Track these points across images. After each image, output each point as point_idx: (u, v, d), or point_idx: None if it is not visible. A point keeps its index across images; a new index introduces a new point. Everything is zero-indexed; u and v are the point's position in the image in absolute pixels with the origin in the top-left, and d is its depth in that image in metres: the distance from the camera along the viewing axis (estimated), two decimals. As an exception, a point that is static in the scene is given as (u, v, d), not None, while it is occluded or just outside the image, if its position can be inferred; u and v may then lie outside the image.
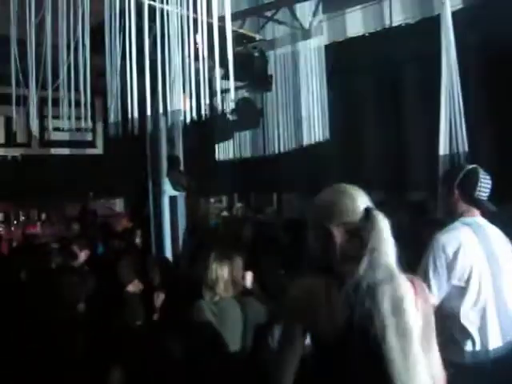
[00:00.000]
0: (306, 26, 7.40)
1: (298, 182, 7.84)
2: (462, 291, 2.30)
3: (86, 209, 7.72)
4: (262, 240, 5.17)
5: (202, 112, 4.99)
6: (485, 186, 2.47)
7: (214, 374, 2.76)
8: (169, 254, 5.53)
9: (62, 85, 4.97)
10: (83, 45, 3.86)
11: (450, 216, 2.51)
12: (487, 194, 2.48)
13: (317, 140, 7.58)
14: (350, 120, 6.82)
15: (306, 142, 7.34)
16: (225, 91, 5.06)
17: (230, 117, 6.18)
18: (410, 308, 1.52)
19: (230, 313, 2.93)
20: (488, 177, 2.49)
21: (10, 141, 8.23)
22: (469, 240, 2.36)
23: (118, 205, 9.27)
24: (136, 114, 4.38)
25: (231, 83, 3.83)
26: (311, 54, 7.50)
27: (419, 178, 6.04)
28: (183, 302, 3.66)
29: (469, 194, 2.45)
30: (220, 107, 5.30)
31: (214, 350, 2.86)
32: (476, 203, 2.46)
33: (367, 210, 1.60)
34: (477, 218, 2.48)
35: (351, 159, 7.03)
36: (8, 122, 8.23)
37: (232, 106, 6.16)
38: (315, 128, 7.17)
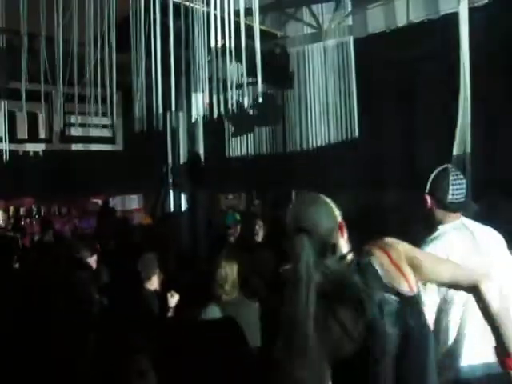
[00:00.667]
0: (325, 25, 7.42)
1: (317, 180, 7.83)
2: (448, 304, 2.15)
3: (106, 205, 7.78)
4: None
5: (224, 108, 5.05)
6: (458, 187, 2.26)
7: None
8: (187, 249, 5.56)
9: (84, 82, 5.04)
10: (109, 42, 3.88)
11: (430, 227, 2.32)
12: (462, 195, 2.27)
13: (336, 138, 7.59)
14: (369, 119, 6.79)
15: (326, 139, 7.34)
16: (242, 86, 5.10)
17: (250, 111, 6.19)
18: None
19: (243, 312, 2.92)
20: (461, 176, 2.30)
21: (33, 136, 8.33)
22: (454, 248, 2.17)
23: (137, 200, 9.34)
24: (160, 111, 4.42)
25: (259, 80, 3.81)
26: (331, 52, 7.50)
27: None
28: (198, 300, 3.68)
29: (441, 200, 2.26)
30: (241, 102, 5.31)
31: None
32: (451, 209, 2.28)
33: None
34: (459, 220, 2.30)
35: (370, 158, 7.00)
36: (31, 117, 8.36)
37: (252, 100, 6.18)
38: (336, 126, 7.16)
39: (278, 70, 6.08)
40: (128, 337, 2.60)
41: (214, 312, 2.94)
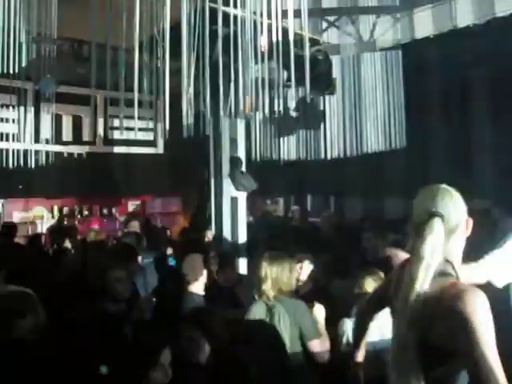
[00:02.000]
0: (366, 36, 7.44)
1: (357, 185, 7.79)
2: None
3: (149, 221, 7.87)
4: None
5: (268, 112, 5.07)
6: None
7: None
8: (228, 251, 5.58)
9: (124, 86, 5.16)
10: (162, 48, 3.96)
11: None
12: None
13: (380, 145, 7.56)
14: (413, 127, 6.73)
15: (366, 146, 7.32)
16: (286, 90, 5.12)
17: (292, 114, 6.21)
18: None
19: (280, 314, 2.92)
20: None
21: (77, 139, 8.59)
22: None
23: (176, 204, 9.48)
24: (206, 116, 4.48)
25: (307, 85, 3.80)
26: (373, 60, 7.50)
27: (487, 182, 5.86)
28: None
29: None
30: (285, 106, 5.35)
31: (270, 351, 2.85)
32: None
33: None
34: None
35: (412, 163, 6.91)
36: (75, 120, 8.63)
37: (293, 104, 6.22)
38: (378, 132, 7.14)
39: (321, 75, 6.06)
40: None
41: (259, 309, 2.95)
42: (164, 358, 2.24)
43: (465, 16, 6.38)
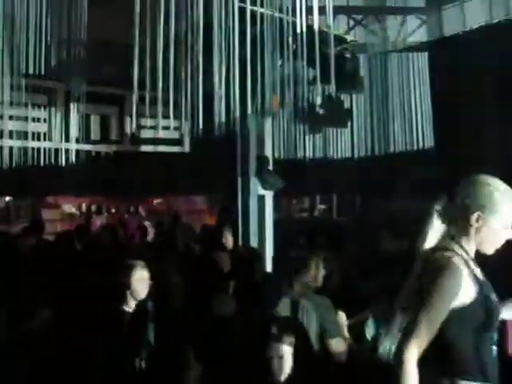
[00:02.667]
0: (393, 36, 7.40)
1: (383, 185, 7.72)
2: None
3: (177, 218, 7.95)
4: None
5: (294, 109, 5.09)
6: None
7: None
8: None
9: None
10: (192, 48, 4.00)
11: None
12: None
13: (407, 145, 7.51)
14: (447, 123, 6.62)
15: (393, 145, 7.26)
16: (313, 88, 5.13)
17: (319, 111, 6.19)
18: None
19: (305, 309, 2.94)
20: None
21: (105, 138, 8.70)
22: None
23: (202, 202, 9.54)
24: (234, 114, 4.50)
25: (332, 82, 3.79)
26: (400, 59, 7.44)
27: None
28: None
29: None
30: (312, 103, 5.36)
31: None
32: None
33: None
34: None
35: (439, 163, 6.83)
36: (103, 120, 8.75)
37: (322, 102, 6.21)
38: (406, 131, 7.08)
39: (348, 74, 6.03)
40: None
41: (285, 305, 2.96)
42: None
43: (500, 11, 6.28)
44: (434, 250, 1.82)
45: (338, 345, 2.90)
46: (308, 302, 2.94)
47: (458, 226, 1.81)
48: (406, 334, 1.69)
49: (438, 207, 1.86)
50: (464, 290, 1.71)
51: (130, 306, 3.22)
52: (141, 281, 3.22)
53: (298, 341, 2.65)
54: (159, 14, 5.60)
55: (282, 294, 3.10)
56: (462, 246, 1.80)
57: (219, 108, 4.30)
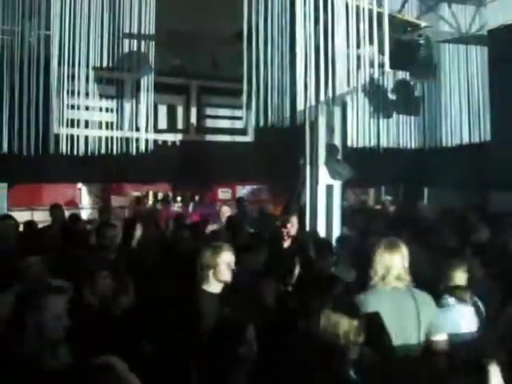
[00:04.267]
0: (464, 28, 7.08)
1: (451, 175, 7.45)
2: None
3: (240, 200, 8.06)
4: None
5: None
6: None
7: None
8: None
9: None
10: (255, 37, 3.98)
11: None
12: None
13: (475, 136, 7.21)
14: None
15: (466, 136, 6.99)
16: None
17: (390, 96, 6.03)
18: None
19: (403, 304, 2.83)
20: None
21: (172, 127, 8.90)
22: None
23: (266, 192, 9.57)
24: (303, 104, 4.46)
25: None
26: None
27: None
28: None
29: None
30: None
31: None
32: None
33: None
34: None
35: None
36: (170, 109, 8.95)
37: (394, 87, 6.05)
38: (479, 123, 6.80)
39: (421, 60, 5.82)
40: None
41: (379, 298, 2.89)
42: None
43: None
44: None
45: (442, 341, 2.78)
46: (407, 295, 2.84)
47: None
48: None
49: None
50: None
51: (214, 288, 3.23)
52: (226, 263, 3.23)
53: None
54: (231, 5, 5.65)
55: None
56: None
57: (301, 97, 4.24)
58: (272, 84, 5.31)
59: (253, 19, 5.31)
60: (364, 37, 5.08)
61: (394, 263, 2.86)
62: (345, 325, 2.29)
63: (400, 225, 5.36)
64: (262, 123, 5.77)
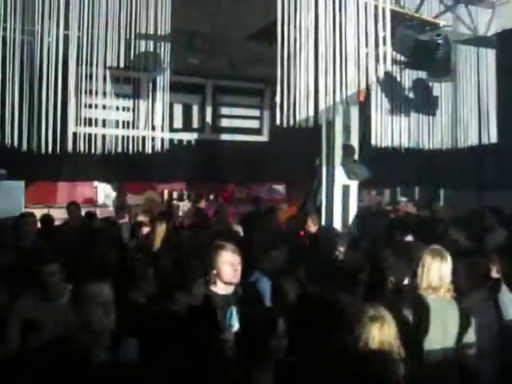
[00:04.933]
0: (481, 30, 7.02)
1: (467, 177, 7.40)
2: None
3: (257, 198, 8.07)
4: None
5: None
6: None
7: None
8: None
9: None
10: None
11: None
12: None
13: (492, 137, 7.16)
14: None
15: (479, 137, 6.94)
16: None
17: (408, 95, 5.99)
18: None
19: (447, 313, 2.82)
20: None
21: (187, 126, 8.94)
22: None
23: (281, 192, 9.57)
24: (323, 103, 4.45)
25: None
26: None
27: None
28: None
29: None
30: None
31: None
32: None
33: None
34: None
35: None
36: (185, 108, 8.99)
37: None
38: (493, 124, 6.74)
39: (439, 61, 5.78)
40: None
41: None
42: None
43: None
44: None
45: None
46: (451, 304, 2.86)
47: None
48: None
49: None
50: None
51: (219, 288, 3.15)
52: (229, 263, 3.13)
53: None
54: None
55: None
56: None
57: (320, 98, 4.23)
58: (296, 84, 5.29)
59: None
60: (377, 36, 5.09)
61: (445, 273, 2.86)
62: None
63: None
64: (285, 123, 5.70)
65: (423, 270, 2.87)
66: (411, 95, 6.12)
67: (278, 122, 4.19)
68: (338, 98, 4.78)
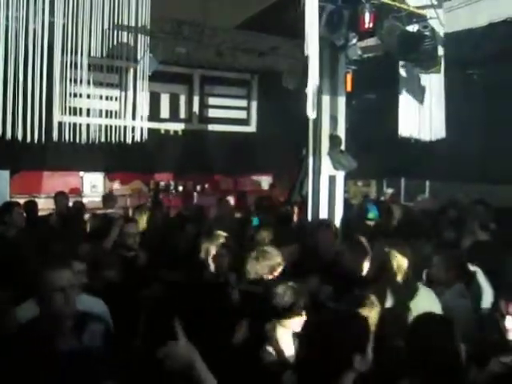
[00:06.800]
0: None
1: (453, 169, 7.45)
2: None
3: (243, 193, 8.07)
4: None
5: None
6: None
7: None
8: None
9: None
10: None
11: None
12: None
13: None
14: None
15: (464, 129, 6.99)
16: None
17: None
18: None
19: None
20: None
21: (174, 116, 8.89)
22: None
23: (268, 182, 9.57)
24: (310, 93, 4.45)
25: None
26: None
27: None
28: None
29: None
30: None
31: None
32: None
33: None
34: None
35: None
36: (173, 98, 8.93)
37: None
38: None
39: (425, 51, 5.80)
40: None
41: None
42: None
43: None
44: None
45: None
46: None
47: None
48: None
49: None
50: None
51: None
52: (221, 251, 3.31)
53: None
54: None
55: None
56: None
57: (312, 90, 4.22)
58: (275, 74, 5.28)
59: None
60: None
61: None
62: None
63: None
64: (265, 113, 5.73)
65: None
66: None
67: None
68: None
